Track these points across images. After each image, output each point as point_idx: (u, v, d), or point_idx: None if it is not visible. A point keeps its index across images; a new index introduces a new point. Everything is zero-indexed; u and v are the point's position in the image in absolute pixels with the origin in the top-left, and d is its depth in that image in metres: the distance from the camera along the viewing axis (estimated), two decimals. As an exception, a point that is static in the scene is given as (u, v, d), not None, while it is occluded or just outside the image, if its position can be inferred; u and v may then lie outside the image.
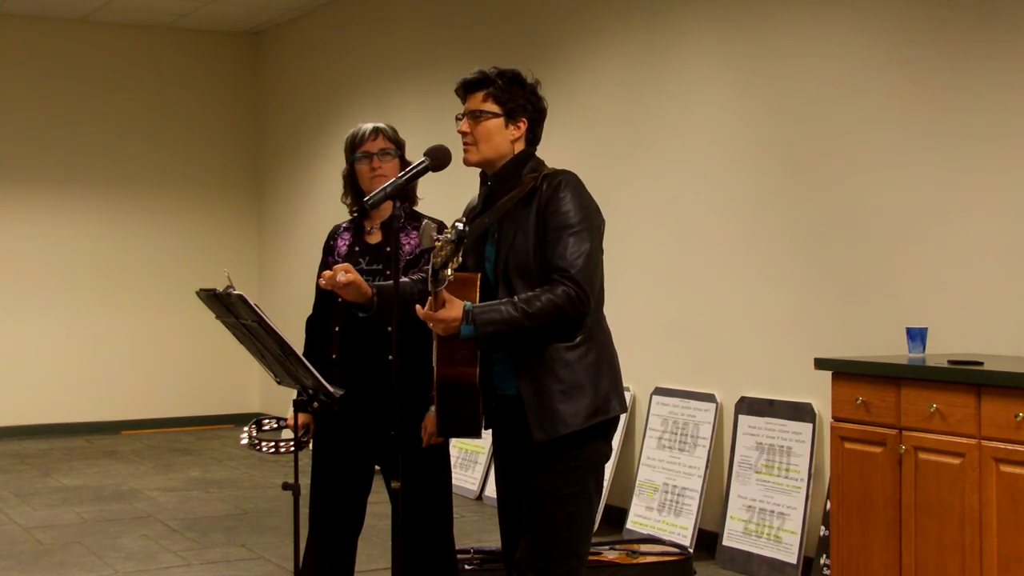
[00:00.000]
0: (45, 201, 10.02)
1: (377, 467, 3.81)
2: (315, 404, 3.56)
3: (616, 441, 6.26)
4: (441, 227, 2.92)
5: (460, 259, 2.85)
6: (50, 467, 8.43)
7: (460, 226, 2.82)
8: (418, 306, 3.01)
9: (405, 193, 3.51)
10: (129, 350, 10.26)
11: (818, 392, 5.17)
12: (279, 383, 3.66)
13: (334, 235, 3.90)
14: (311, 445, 3.84)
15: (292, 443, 3.67)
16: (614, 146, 6.53)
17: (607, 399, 3.10)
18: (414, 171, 3.16)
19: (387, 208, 3.66)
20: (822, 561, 5.02)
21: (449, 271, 2.85)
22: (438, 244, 2.83)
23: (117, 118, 10.27)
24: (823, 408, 5.14)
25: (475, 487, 7.13)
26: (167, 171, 10.46)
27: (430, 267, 2.88)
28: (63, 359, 10.03)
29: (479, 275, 3.13)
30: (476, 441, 7.00)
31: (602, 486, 3.20)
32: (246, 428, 3.82)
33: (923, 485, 3.95)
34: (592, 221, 3.10)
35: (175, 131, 10.50)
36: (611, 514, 6.23)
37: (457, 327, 2.96)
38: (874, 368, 4.17)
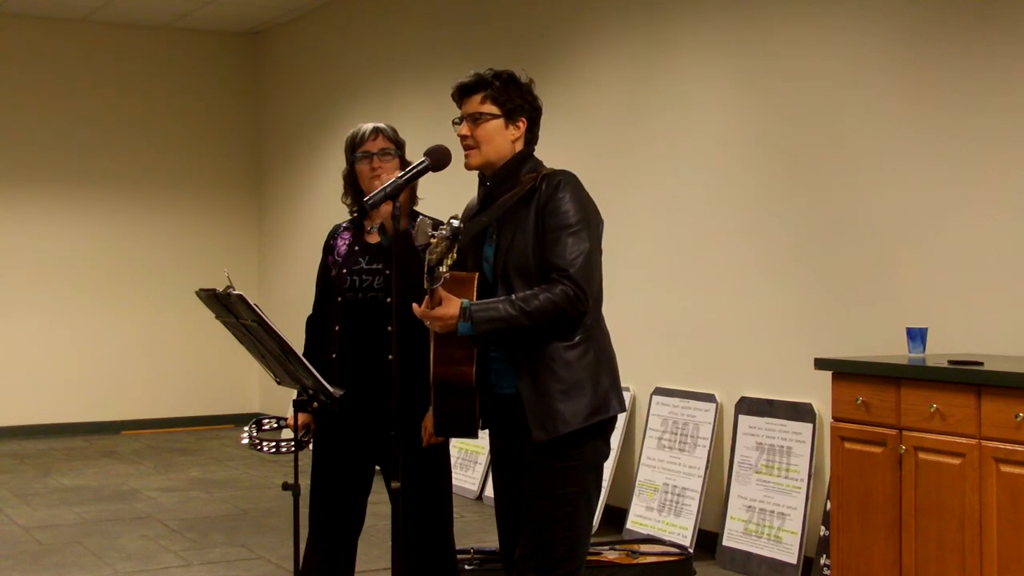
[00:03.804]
0: (44, 201, 10.01)
1: (377, 467, 3.81)
2: (315, 404, 3.56)
3: (616, 441, 6.29)
4: (436, 224, 2.91)
5: (455, 256, 2.84)
6: (50, 467, 8.42)
7: (455, 223, 2.81)
8: (415, 304, 3.01)
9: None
10: (129, 350, 10.25)
11: (818, 392, 5.17)
12: (279, 383, 3.66)
13: (334, 235, 3.90)
14: (311, 445, 3.84)
15: (292, 443, 3.67)
16: (614, 146, 6.53)
17: (607, 398, 3.09)
18: (414, 171, 3.16)
19: (387, 208, 3.66)
20: (822, 561, 5.01)
21: (444, 268, 2.84)
22: (433, 241, 2.83)
23: (117, 118, 10.27)
24: (823, 408, 5.14)
25: (475, 487, 7.13)
26: (167, 171, 10.46)
27: (425, 264, 2.87)
28: (63, 359, 10.03)
29: (476, 274, 3.13)
30: (476, 441, 7.00)
31: (601, 485, 3.20)
32: (246, 428, 3.82)
33: (923, 485, 3.95)
34: (591, 221, 3.10)
35: (175, 131, 10.49)
36: (611, 514, 6.23)
37: (454, 324, 2.96)
38: (874, 368, 4.17)
